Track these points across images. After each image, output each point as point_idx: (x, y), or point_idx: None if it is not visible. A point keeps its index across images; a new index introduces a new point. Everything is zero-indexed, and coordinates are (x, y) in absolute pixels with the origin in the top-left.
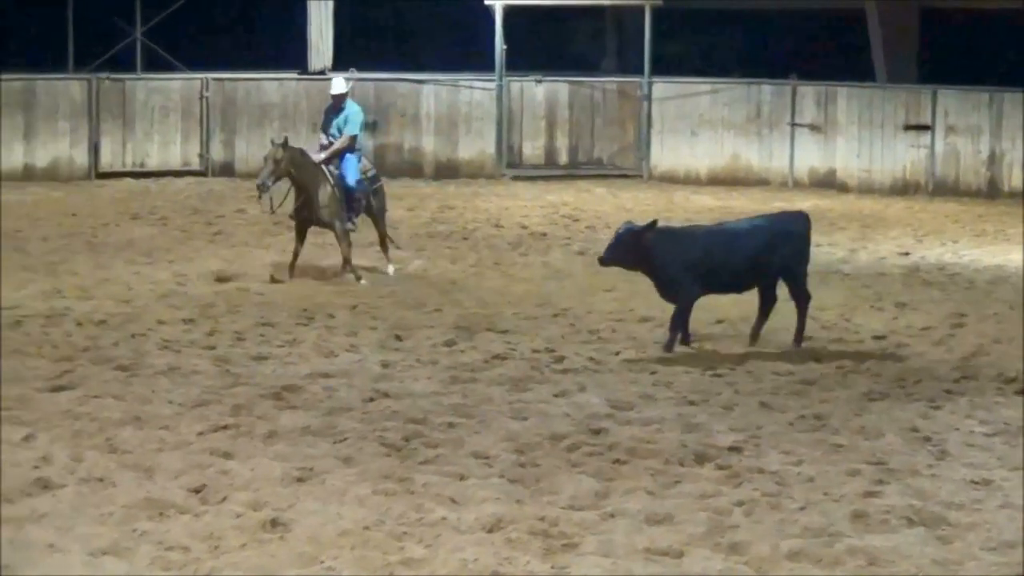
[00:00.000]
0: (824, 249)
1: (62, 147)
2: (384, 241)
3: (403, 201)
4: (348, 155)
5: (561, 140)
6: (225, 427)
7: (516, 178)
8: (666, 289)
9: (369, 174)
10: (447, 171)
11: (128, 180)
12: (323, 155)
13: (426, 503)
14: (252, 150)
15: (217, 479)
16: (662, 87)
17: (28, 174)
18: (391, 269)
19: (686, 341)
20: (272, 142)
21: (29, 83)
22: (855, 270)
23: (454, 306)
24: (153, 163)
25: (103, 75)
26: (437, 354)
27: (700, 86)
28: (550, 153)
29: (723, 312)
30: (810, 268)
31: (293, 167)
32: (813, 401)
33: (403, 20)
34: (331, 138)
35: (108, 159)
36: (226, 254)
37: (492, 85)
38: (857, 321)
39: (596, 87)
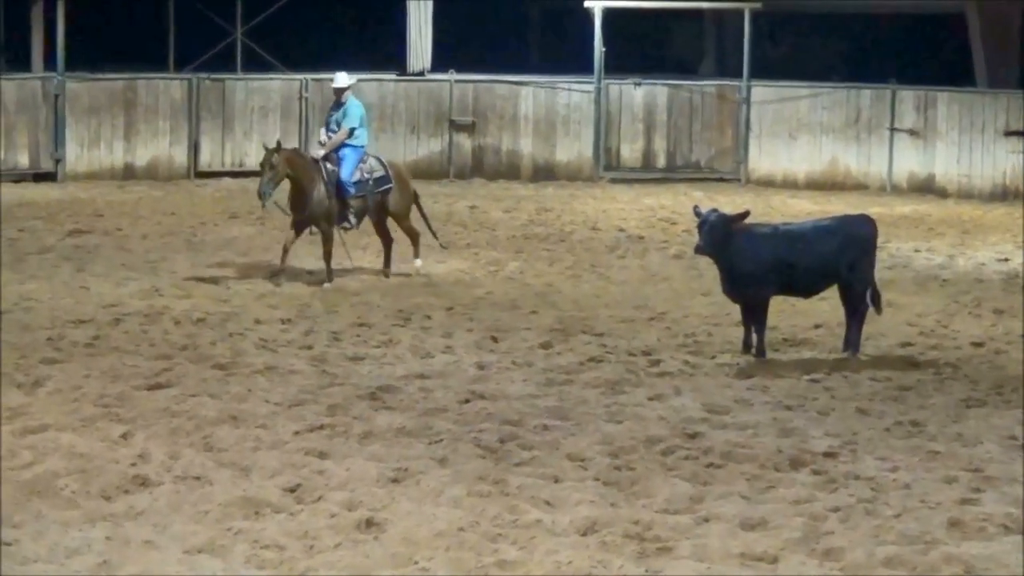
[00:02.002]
0: (923, 255)
1: (162, 146)
2: (387, 244)
3: (501, 203)
4: (348, 152)
5: (659, 143)
6: (321, 427)
7: (614, 181)
8: (739, 285)
9: (376, 175)
10: (544, 173)
11: (227, 179)
12: (322, 151)
13: (521, 505)
14: None
15: (313, 479)
16: (761, 91)
17: (128, 173)
18: (418, 263)
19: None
20: (265, 147)
21: (130, 82)
22: (954, 276)
23: (550, 308)
24: (252, 163)
25: (203, 75)
26: (533, 356)
27: (799, 90)
28: (648, 156)
29: (821, 316)
30: (909, 273)
31: (291, 168)
32: (910, 407)
33: (502, 22)
34: (330, 134)
35: (207, 158)
36: (318, 252)
37: (590, 87)
38: (955, 327)
39: (695, 90)
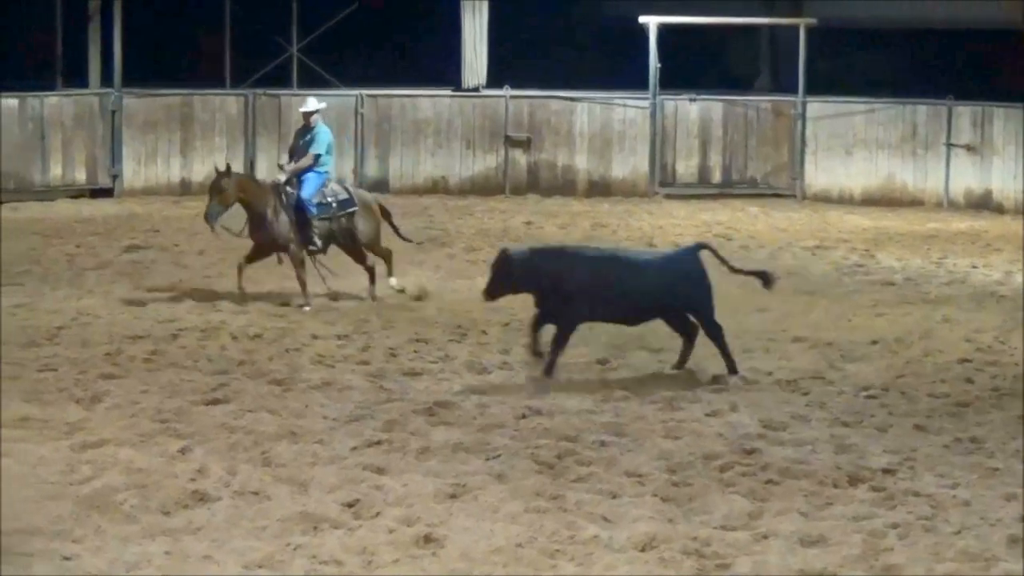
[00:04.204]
0: (980, 271)
1: (218, 162)
2: (369, 268)
3: (556, 219)
4: (311, 176)
5: (715, 159)
6: (378, 442)
7: (669, 196)
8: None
9: (339, 198)
10: (600, 189)
11: None
12: (283, 176)
13: (579, 521)
14: (406, 166)
15: (370, 494)
16: (817, 106)
17: (185, 188)
18: (392, 281)
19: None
20: (216, 170)
21: (187, 98)
22: (1011, 292)
23: (607, 324)
24: None
25: (259, 91)
26: (590, 372)
27: (855, 105)
28: (703, 172)
29: (878, 332)
30: (967, 289)
31: (243, 193)
32: (968, 424)
33: (557, 38)
34: (294, 160)
35: (263, 174)
36: (378, 271)
37: (646, 103)
38: (1013, 344)
39: (750, 106)
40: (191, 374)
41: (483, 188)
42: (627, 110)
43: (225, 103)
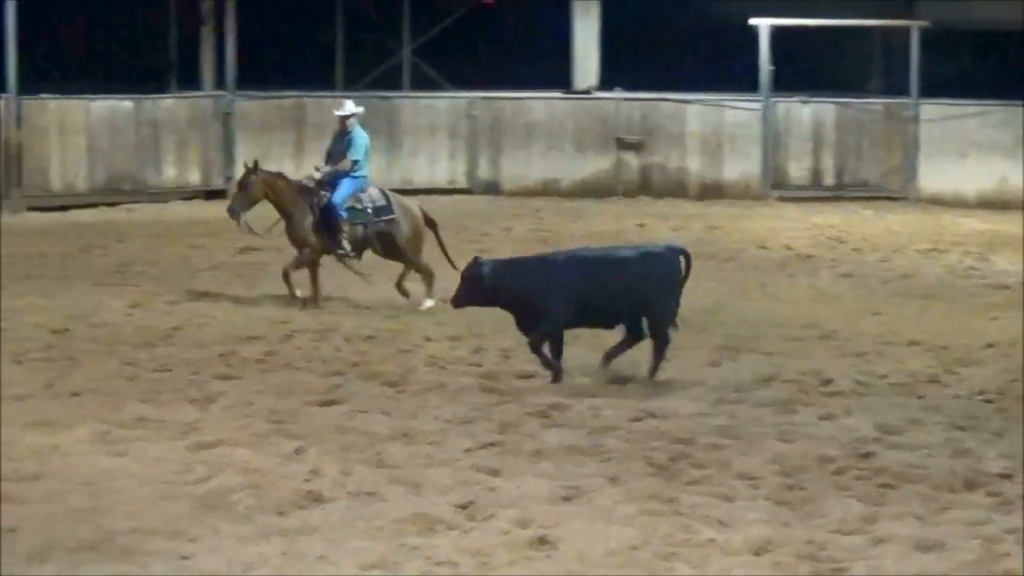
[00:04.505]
0: None
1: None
2: (401, 278)
3: (668, 221)
4: (346, 180)
5: (827, 161)
6: (492, 444)
7: (782, 199)
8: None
9: (376, 204)
10: (712, 191)
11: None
12: (318, 175)
13: (693, 524)
14: (518, 169)
15: (484, 496)
16: (930, 108)
17: None
18: (428, 303)
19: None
20: (245, 165)
21: (299, 100)
22: None
23: (719, 327)
24: (420, 180)
25: (371, 93)
26: (703, 374)
27: (968, 108)
28: (816, 174)
29: (992, 335)
30: None
31: (270, 191)
32: None
33: (668, 39)
34: (330, 163)
35: (375, 176)
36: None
37: (758, 105)
38: None
39: (863, 108)
40: (305, 375)
41: (595, 190)
42: (739, 112)
43: (337, 105)
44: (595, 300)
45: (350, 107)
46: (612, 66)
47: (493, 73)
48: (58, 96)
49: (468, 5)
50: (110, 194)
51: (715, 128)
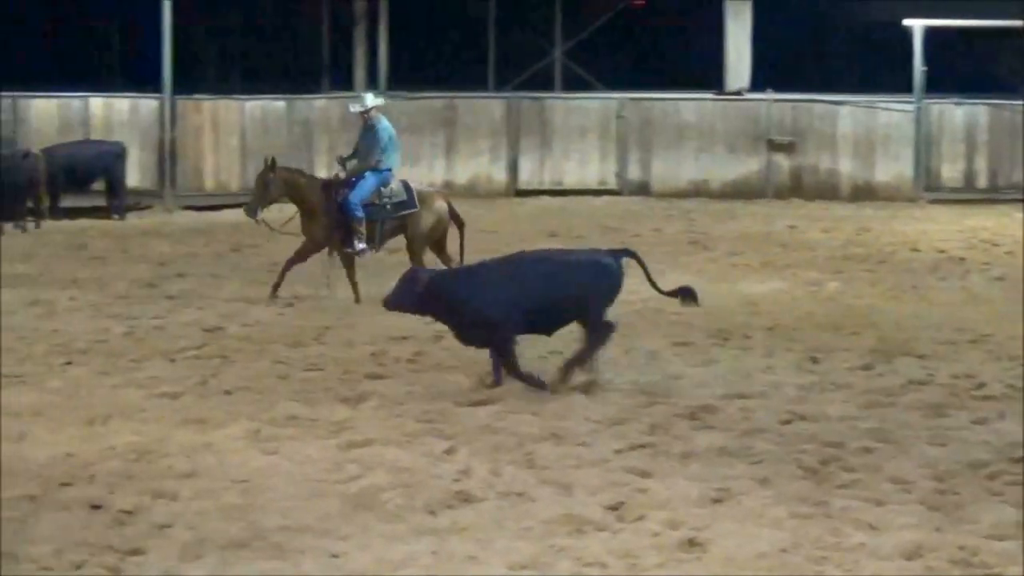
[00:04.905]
0: None
1: (482, 164)
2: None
3: (819, 223)
4: (368, 175)
5: (981, 164)
6: (642, 446)
7: (934, 201)
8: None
9: (396, 199)
10: (863, 193)
11: (545, 198)
12: (343, 173)
13: (844, 527)
14: (668, 170)
15: (634, 497)
16: None
17: (449, 190)
18: None
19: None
20: (265, 161)
21: (451, 101)
22: None
23: (871, 329)
24: (570, 181)
25: (522, 94)
26: (853, 377)
27: None
28: (969, 177)
29: None
30: None
31: (288, 188)
32: None
33: (821, 40)
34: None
35: (526, 177)
36: (641, 273)
37: (910, 107)
38: None
39: (1017, 110)
40: (454, 375)
41: (745, 192)
42: (891, 114)
43: (488, 106)
44: (538, 306)
45: (370, 100)
46: (764, 67)
47: (644, 74)
48: (212, 96)
49: (620, 6)
50: None
51: (867, 130)
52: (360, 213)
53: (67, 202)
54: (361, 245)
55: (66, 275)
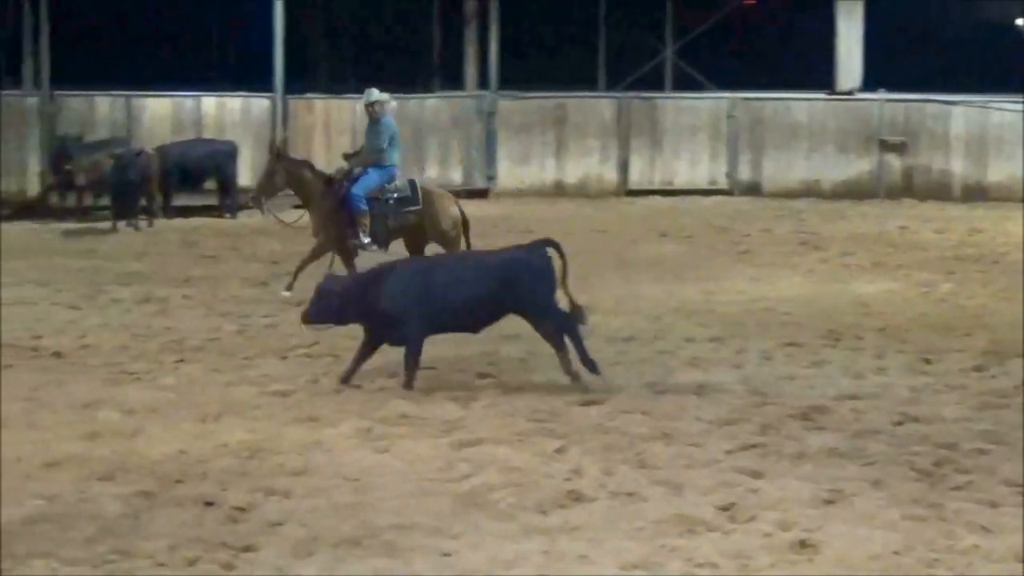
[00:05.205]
0: None
1: (592, 164)
2: None
3: (931, 223)
4: (372, 171)
5: None
6: (753, 446)
7: None
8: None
9: (399, 195)
10: (975, 194)
11: (656, 198)
12: (345, 167)
13: (957, 530)
14: (779, 170)
15: (746, 498)
16: None
17: (559, 190)
18: None
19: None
20: (270, 151)
21: (561, 101)
22: None
23: (984, 331)
24: (680, 181)
25: (633, 94)
26: (966, 379)
27: None
28: None
29: None
30: None
31: (292, 180)
32: None
33: (933, 40)
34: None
35: (636, 177)
36: (752, 273)
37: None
38: None
39: None
40: (565, 375)
41: (856, 192)
42: (1004, 114)
43: (599, 106)
44: (452, 306)
45: (375, 95)
46: (875, 67)
47: (755, 74)
48: (324, 96)
49: (731, 6)
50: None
51: (980, 130)
52: (363, 206)
53: (179, 201)
54: (366, 239)
55: (179, 273)
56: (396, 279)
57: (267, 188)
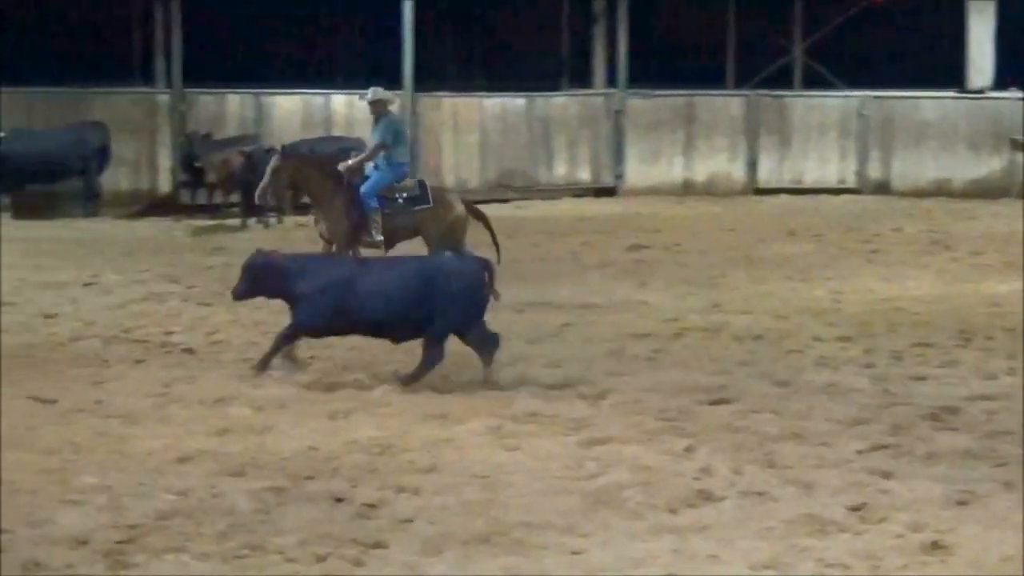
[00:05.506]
0: None
1: (720, 162)
2: None
3: None
4: (381, 168)
5: None
6: (884, 446)
7: None
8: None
9: (409, 194)
10: None
11: (784, 196)
12: (348, 163)
13: None
14: (909, 169)
15: (876, 498)
16: None
17: (687, 188)
18: None
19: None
20: (281, 148)
21: (690, 99)
22: None
23: None
24: (809, 180)
25: (762, 92)
26: None
27: None
28: None
29: None
30: None
31: (300, 178)
32: None
33: None
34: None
35: (765, 175)
36: (882, 272)
37: None
38: None
39: None
40: (694, 374)
41: (987, 191)
42: None
43: (728, 104)
44: (364, 310)
45: (375, 93)
46: (1007, 65)
47: (884, 72)
48: (452, 94)
49: (860, 3)
50: (501, 190)
51: None
52: (374, 203)
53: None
54: (377, 236)
55: None
56: (316, 267)
57: (272, 185)
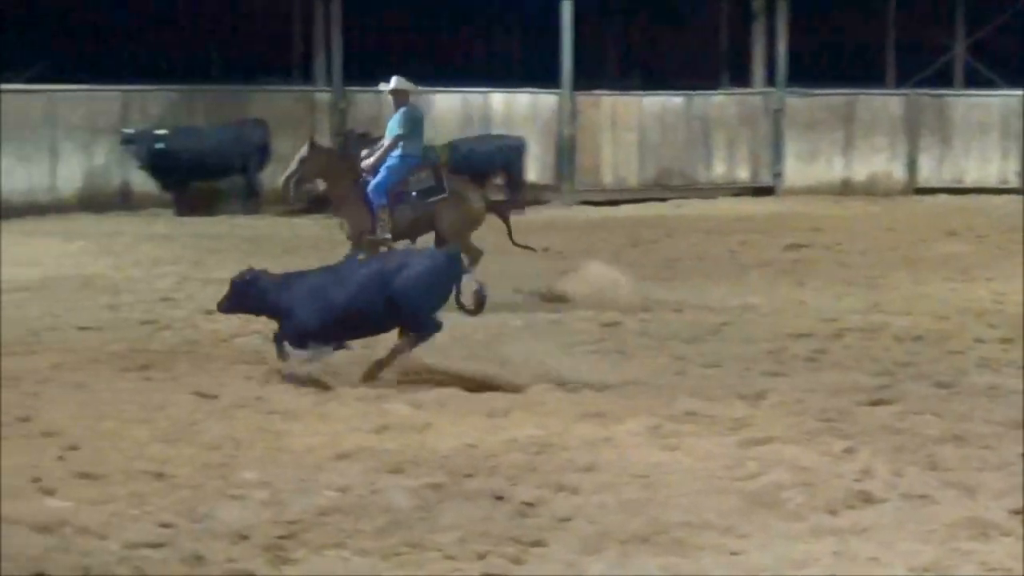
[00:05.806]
0: None
1: (880, 162)
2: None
3: None
4: (392, 161)
5: None
6: None
7: None
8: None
9: (423, 186)
10: None
11: (944, 196)
12: (369, 160)
13: None
14: None
15: None
16: None
17: (846, 188)
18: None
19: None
20: (310, 140)
21: (849, 98)
22: None
23: None
24: (970, 180)
25: (922, 91)
26: None
27: None
28: None
29: None
30: None
31: (321, 171)
32: None
33: None
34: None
35: (925, 175)
36: None
37: None
38: None
39: None
40: (854, 374)
41: None
42: None
43: (888, 103)
44: (353, 312)
45: (394, 83)
46: None
47: None
48: (611, 92)
49: (1022, 1)
50: (660, 189)
51: None
52: (382, 199)
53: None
54: (386, 234)
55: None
56: (297, 284)
57: (296, 175)
